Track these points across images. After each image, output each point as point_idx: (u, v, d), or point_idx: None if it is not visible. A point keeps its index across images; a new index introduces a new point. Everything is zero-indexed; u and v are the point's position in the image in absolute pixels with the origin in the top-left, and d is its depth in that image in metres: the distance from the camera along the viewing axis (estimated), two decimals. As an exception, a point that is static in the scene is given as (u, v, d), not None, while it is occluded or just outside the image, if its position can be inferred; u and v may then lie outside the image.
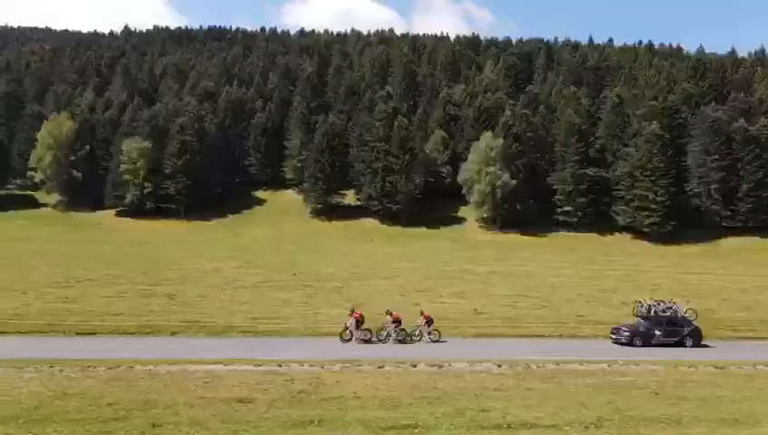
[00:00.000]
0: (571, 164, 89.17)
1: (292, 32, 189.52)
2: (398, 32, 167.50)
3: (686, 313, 33.16)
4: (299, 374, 20.03)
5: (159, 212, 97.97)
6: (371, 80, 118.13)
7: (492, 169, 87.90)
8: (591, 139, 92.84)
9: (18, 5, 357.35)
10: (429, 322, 29.82)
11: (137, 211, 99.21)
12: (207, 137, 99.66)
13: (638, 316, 32.89)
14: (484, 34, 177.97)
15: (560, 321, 35.16)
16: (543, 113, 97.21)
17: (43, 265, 49.96)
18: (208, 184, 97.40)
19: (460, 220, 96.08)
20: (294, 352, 24.47)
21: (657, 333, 31.20)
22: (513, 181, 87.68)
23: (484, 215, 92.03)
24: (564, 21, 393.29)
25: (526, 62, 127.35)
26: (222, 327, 30.22)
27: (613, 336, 31.12)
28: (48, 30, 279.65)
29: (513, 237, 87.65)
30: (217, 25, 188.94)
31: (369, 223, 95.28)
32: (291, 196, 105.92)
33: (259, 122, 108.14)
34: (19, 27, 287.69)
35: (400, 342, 29.11)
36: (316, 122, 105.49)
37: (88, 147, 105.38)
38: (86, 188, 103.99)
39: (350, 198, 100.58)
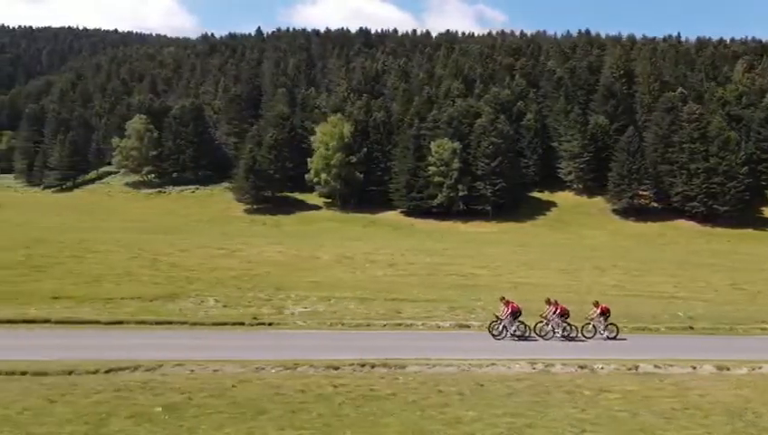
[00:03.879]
0: None
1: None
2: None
3: None
4: None
5: (456, 214, 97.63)
6: (619, 81, 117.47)
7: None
8: None
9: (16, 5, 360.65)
10: (605, 314, 25.49)
11: (423, 212, 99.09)
12: (505, 139, 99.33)
13: None
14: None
15: None
16: None
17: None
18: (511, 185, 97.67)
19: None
20: None
21: None
22: None
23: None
24: (571, 21, 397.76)
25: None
26: None
27: None
28: (129, 33, 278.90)
29: None
30: (362, 28, 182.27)
31: (682, 224, 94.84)
32: (570, 196, 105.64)
33: (530, 124, 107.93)
34: (94, 30, 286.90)
35: (566, 338, 25.20)
36: (586, 123, 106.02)
37: (365, 149, 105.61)
38: (364, 189, 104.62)
39: (644, 198, 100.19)
